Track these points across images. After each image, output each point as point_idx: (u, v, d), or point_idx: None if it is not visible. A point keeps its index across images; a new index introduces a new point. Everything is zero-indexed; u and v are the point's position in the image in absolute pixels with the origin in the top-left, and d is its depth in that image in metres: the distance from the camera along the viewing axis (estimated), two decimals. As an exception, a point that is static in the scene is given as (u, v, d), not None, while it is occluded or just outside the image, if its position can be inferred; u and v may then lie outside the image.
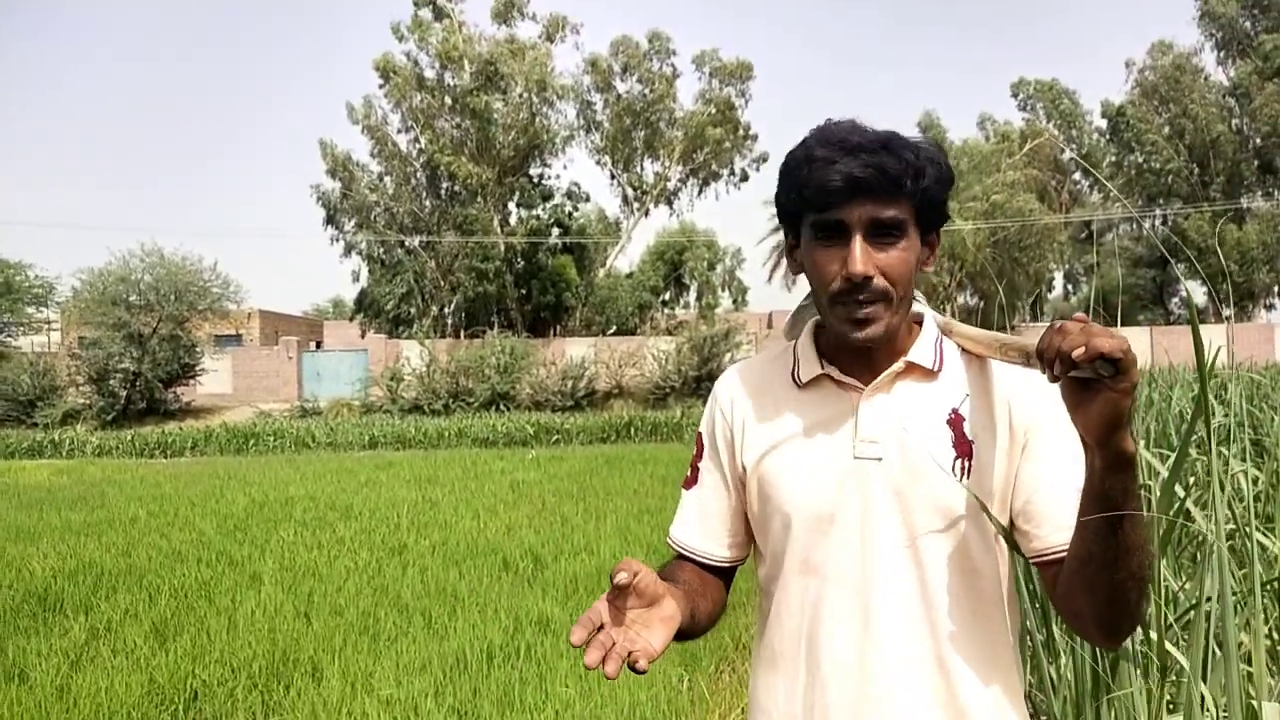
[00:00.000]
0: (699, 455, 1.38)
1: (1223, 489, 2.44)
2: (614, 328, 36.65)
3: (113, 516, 9.71)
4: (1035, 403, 1.20)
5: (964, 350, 1.25)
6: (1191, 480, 3.91)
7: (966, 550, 1.18)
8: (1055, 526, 1.15)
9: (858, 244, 1.13)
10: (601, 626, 1.05)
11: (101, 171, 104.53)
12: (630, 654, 1.04)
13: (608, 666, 1.02)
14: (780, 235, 1.31)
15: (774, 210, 1.28)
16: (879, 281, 1.14)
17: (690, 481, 1.37)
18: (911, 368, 1.23)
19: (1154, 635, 2.11)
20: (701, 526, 1.34)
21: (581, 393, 28.40)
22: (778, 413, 1.27)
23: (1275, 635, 2.31)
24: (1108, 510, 0.99)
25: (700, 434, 1.38)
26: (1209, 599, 1.97)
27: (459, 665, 4.47)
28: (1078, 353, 0.92)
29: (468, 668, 4.43)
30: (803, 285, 1.31)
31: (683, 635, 1.20)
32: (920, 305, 1.29)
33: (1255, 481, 3.77)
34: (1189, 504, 2.77)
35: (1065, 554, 1.12)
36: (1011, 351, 1.15)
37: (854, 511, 1.19)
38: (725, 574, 1.36)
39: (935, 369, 1.23)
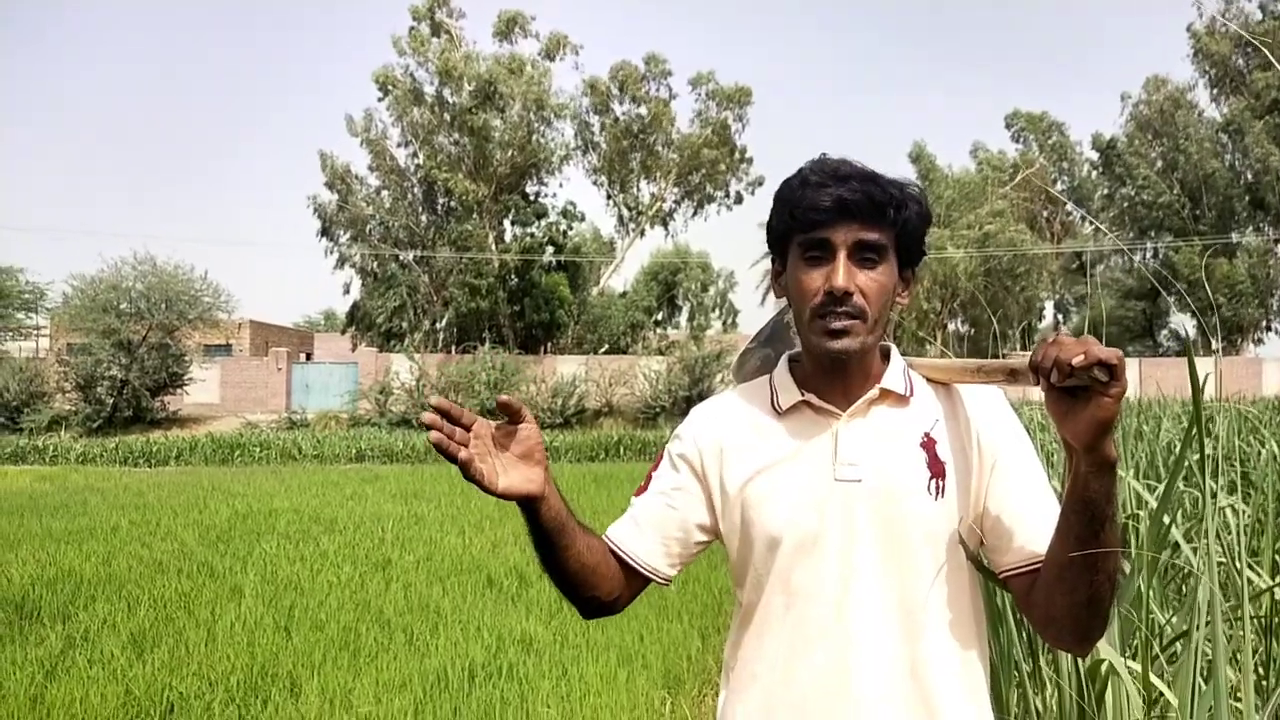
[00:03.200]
0: (656, 466, 1.42)
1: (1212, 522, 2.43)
2: (606, 346, 36.66)
3: (94, 525, 9.62)
4: (1001, 425, 1.28)
5: (928, 379, 1.33)
6: (1179, 513, 3.90)
7: (944, 570, 1.24)
8: (1026, 540, 1.21)
9: (841, 260, 1.21)
10: (461, 425, 1.17)
11: (97, 178, 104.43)
12: (473, 461, 1.16)
13: (434, 435, 1.14)
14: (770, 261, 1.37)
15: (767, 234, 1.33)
16: (858, 299, 1.21)
17: (641, 490, 1.41)
18: (885, 394, 1.29)
19: (1138, 666, 2.09)
20: (637, 529, 1.37)
21: (571, 410, 28.35)
22: (759, 439, 1.32)
23: (1260, 670, 2.30)
24: (1091, 513, 1.05)
25: (667, 450, 1.42)
26: (1201, 625, 1.95)
27: (440, 683, 4.41)
28: (1078, 360, 0.97)
29: (448, 686, 4.38)
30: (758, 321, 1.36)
31: (553, 561, 1.28)
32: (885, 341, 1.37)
33: (1242, 515, 3.77)
34: (1177, 536, 2.76)
35: (1038, 566, 1.18)
36: (993, 372, 1.23)
37: (836, 533, 1.24)
38: (637, 579, 1.38)
39: (907, 394, 1.29)
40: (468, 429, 1.17)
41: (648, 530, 1.36)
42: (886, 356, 1.32)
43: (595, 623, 5.46)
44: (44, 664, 4.73)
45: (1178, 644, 2.34)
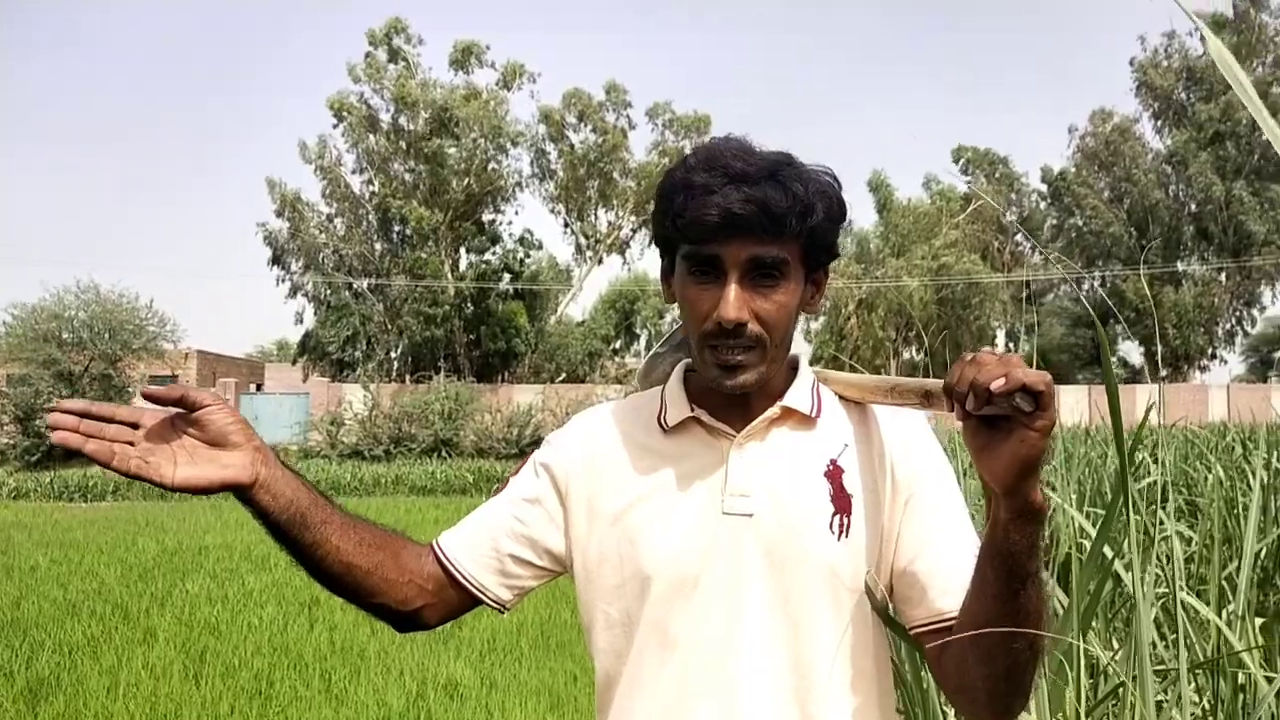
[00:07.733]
0: (517, 472, 1.19)
1: (1152, 549, 2.28)
2: (564, 375, 36.36)
3: (11, 563, 9.12)
4: (919, 454, 1.09)
5: (841, 397, 1.13)
6: (1124, 542, 3.75)
7: (845, 620, 1.04)
8: (941, 591, 1.02)
9: (732, 288, 1.01)
10: (104, 421, 0.96)
11: (41, 205, 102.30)
12: (113, 456, 0.93)
13: (58, 434, 0.93)
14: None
15: None
16: (753, 328, 1.02)
17: (496, 493, 1.19)
18: (788, 413, 1.10)
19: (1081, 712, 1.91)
20: (472, 538, 1.16)
21: (527, 440, 27.93)
22: (640, 461, 1.11)
23: (1206, 706, 2.13)
24: (1011, 567, 0.89)
25: (533, 456, 1.19)
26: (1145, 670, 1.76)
27: (351, 734, 4.12)
28: (997, 384, 0.81)
29: (360, 737, 4.09)
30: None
31: (304, 560, 1.05)
32: (797, 350, 1.15)
33: (1189, 542, 3.64)
34: (1118, 566, 2.60)
35: (951, 622, 0.99)
36: (907, 393, 1.03)
37: (721, 575, 1.04)
38: (463, 594, 1.15)
39: (813, 415, 1.10)
40: (134, 426, 0.97)
41: (484, 541, 1.14)
42: (795, 370, 1.14)
43: (526, 664, 5.20)
44: (-80, 719, 4.36)
45: (1120, 688, 2.16)
